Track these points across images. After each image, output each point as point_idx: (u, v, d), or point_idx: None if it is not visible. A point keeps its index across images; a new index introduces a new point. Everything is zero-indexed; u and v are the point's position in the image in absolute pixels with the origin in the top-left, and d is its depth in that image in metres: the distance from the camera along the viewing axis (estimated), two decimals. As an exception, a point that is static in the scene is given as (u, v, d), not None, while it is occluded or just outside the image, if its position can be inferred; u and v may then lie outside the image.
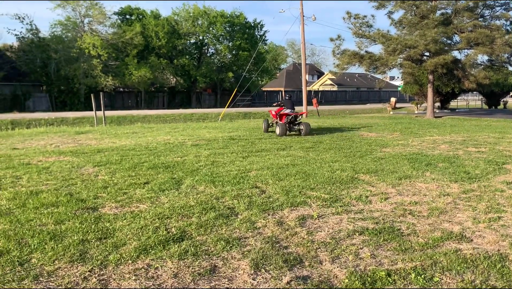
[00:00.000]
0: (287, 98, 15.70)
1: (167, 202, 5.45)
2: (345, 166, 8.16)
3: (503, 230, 4.32)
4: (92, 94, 22.13)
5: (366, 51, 26.35)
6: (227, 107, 31.15)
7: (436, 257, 3.62)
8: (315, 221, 4.75)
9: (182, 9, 45.47)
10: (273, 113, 15.40)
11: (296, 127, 14.76)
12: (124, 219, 4.74)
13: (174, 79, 48.28)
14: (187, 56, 45.61)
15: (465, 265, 3.43)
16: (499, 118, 24.77)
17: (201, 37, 46.75)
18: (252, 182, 6.71)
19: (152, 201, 5.55)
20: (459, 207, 5.22)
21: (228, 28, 46.66)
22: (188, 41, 46.73)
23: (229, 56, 48.02)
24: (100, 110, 21.45)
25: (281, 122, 14.43)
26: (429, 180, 6.88)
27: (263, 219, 4.76)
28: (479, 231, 4.30)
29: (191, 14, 44.43)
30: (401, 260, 3.60)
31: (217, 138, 13.20)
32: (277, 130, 14.34)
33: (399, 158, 9.12)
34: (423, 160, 8.80)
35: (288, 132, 14.52)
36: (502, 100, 42.39)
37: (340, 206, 5.31)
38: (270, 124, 15.57)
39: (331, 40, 27.19)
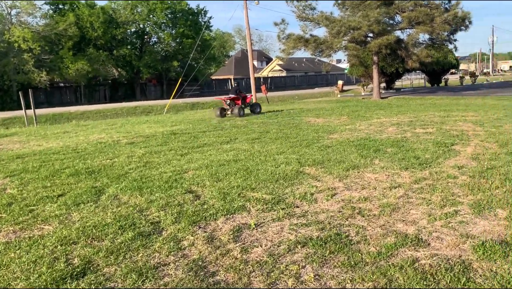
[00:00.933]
0: (235, 85, 18.52)
1: (78, 221, 4.57)
2: (290, 158, 7.55)
3: (462, 228, 3.84)
4: (20, 92, 20.23)
5: (311, 35, 25.97)
6: (173, 98, 29.90)
7: (391, 273, 3.04)
8: (252, 232, 4.06)
9: (119, -4, 43.16)
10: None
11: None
12: (18, 249, 3.83)
13: (117, 72, 46.01)
14: (128, 46, 43.47)
15: (424, 283, 2.87)
16: (442, 96, 25.34)
17: (141, 26, 44.71)
18: (186, 185, 5.93)
19: (61, 220, 4.64)
20: (412, 201, 4.73)
21: (170, 15, 44.88)
22: (128, 30, 44.54)
23: (173, 45, 46.32)
24: (31, 108, 19.67)
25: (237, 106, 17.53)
26: (378, 169, 6.41)
27: (192, 235, 4.02)
28: (436, 232, 3.79)
29: (129, 2, 42.24)
30: (350, 280, 2.99)
31: (157, 134, 12.22)
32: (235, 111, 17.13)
33: (347, 145, 8.65)
34: (371, 146, 8.37)
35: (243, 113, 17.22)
36: (443, 77, 43.84)
37: (283, 209, 4.67)
38: (226, 110, 17.49)
39: (276, 24, 26.55)
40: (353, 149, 8.18)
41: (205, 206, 4.91)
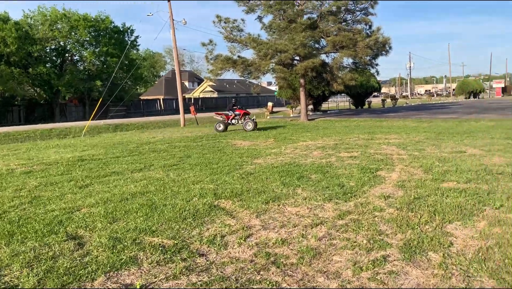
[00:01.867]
0: (233, 101, 21.04)
1: None
2: (207, 188, 6.71)
3: (392, 281, 3.22)
4: None
5: (239, 56, 25.65)
6: (95, 119, 27.95)
7: None
8: (136, 298, 3.14)
9: (37, 12, 40.31)
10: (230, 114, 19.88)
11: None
12: None
13: (35, 91, 42.57)
14: (46, 64, 40.49)
15: None
16: (366, 118, 26.03)
17: (62, 43, 41.98)
18: (72, 228, 4.85)
19: None
20: (336, 243, 4.08)
21: (93, 33, 42.66)
22: (47, 48, 41.60)
23: (97, 63, 43.99)
24: None
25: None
26: (300, 200, 5.77)
27: (52, 307, 3.01)
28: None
29: (47, 18, 39.55)
30: None
31: (61, 160, 10.80)
32: (249, 126, 18.92)
33: (270, 172, 8.01)
34: (295, 173, 7.80)
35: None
36: (366, 100, 45.76)
37: (183, 260, 3.79)
38: (229, 123, 19.76)
39: (203, 45, 25.93)
40: (276, 176, 7.54)
41: (86, 259, 3.90)
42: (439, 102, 53.09)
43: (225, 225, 4.81)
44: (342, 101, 55.11)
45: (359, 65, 26.59)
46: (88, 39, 42.27)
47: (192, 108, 30.07)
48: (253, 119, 19.28)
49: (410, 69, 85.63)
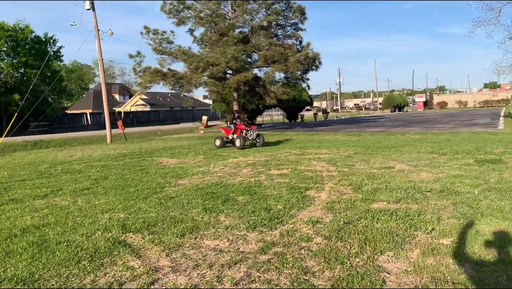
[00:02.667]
0: (235, 115, 17.65)
1: None
2: (115, 219, 5.85)
3: None
4: None
5: (169, 69, 24.75)
6: (9, 136, 25.46)
7: None
8: None
9: None
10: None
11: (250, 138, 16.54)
12: None
13: None
14: (-46, 75, 36.70)
15: None
16: (298, 132, 26.14)
17: (-27, 53, 38.39)
18: None
19: None
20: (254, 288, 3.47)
21: (10, 43, 39.46)
22: (-44, 57, 37.82)
23: (16, 75, 40.69)
24: None
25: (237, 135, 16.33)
26: (221, 230, 5.12)
27: None
28: None
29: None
30: None
31: (-49, 187, 9.27)
32: (238, 142, 15.91)
33: (193, 195, 7.29)
34: (221, 195, 7.15)
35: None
36: (299, 114, 46.57)
37: (62, 324, 2.97)
38: (228, 140, 16.75)
39: (131, 57, 24.77)
40: (199, 200, 6.84)
41: None
42: (367, 115, 55.41)
43: (127, 268, 4.02)
44: (277, 115, 55.72)
45: (290, 79, 26.79)
46: (5, 49, 39.00)
47: (120, 123, 28.51)
48: (255, 137, 16.20)
49: (339, 84, 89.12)
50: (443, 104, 77.10)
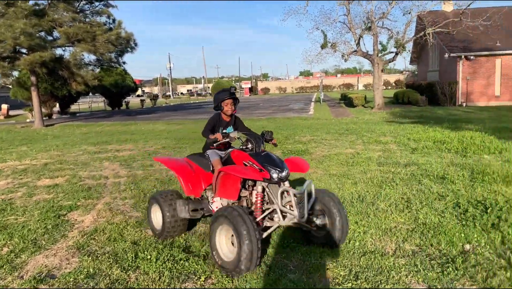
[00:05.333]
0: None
1: None
2: None
3: None
4: None
5: None
6: None
7: None
8: None
9: None
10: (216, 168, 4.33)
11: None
12: None
13: None
14: None
15: None
16: (115, 122, 23.34)
17: None
18: None
19: None
20: None
21: None
22: None
23: None
24: None
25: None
26: None
27: None
28: None
29: None
30: None
31: None
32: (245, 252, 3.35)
33: None
34: None
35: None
36: (124, 100, 43.00)
37: None
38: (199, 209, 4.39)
39: None
40: None
41: None
42: (197, 101, 54.88)
43: None
44: (98, 102, 50.67)
45: (103, 62, 23.63)
46: None
47: None
48: None
49: (170, 70, 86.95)
50: (266, 90, 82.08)
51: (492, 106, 22.44)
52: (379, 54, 22.40)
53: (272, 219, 3.80)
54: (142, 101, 47.24)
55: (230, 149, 4.27)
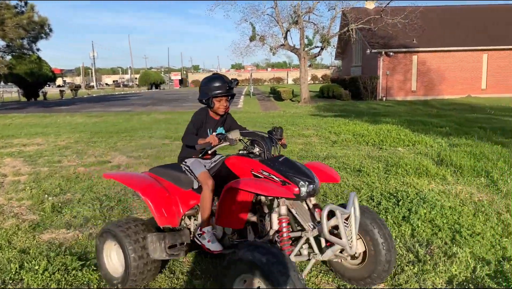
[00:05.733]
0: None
1: None
2: None
3: None
4: None
5: None
6: None
7: None
8: None
9: None
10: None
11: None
12: None
13: None
14: None
15: None
16: (28, 113, 21.46)
17: None
18: None
19: None
20: None
21: None
22: None
23: None
24: None
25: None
26: None
27: None
28: None
29: None
30: None
31: None
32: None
33: None
34: None
35: None
36: (41, 91, 39.92)
37: None
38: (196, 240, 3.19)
39: None
40: None
41: None
42: (122, 92, 52.64)
43: None
44: (11, 92, 46.62)
45: (14, 48, 21.64)
46: None
47: None
48: None
49: (94, 59, 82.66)
50: (197, 83, 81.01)
51: (408, 100, 23.88)
52: (305, 49, 22.82)
53: (300, 253, 2.78)
54: (61, 92, 44.17)
55: (219, 156, 3.38)
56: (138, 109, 22.31)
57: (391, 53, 24.59)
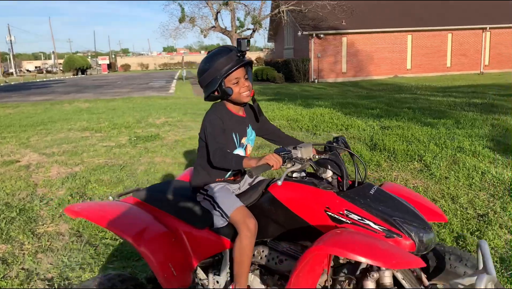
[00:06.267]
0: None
1: None
2: None
3: None
4: None
5: None
6: None
7: None
8: None
9: None
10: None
11: None
12: None
13: None
14: None
15: None
16: None
17: None
18: None
19: None
20: None
21: None
22: None
23: None
24: None
25: None
26: None
27: None
28: None
29: None
30: None
31: None
32: None
33: None
34: None
35: None
36: None
37: None
38: None
39: None
40: None
41: None
42: (44, 79, 48.91)
43: None
44: None
45: None
46: None
47: None
48: None
49: (11, 43, 75.86)
50: (126, 67, 77.14)
51: (339, 82, 24.33)
52: (237, 31, 22.33)
53: None
54: (-27, 80, 40.06)
55: (254, 178, 2.21)
56: (60, 97, 20.62)
57: (321, 35, 24.80)
